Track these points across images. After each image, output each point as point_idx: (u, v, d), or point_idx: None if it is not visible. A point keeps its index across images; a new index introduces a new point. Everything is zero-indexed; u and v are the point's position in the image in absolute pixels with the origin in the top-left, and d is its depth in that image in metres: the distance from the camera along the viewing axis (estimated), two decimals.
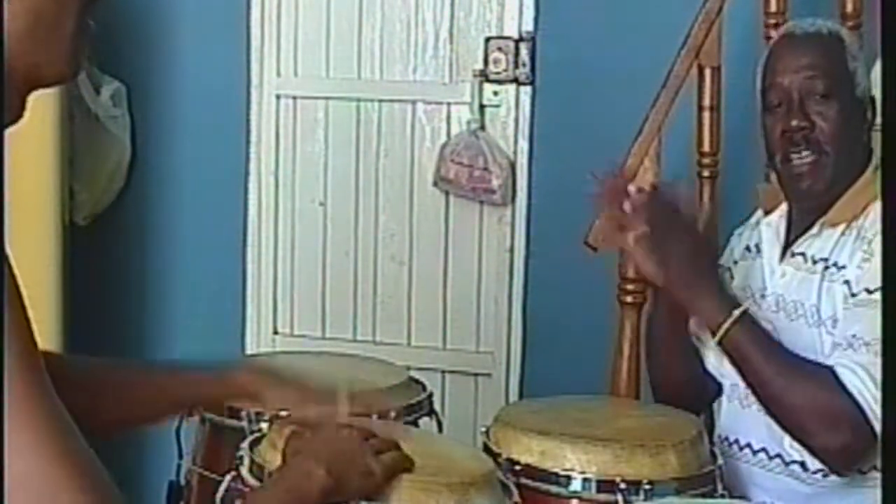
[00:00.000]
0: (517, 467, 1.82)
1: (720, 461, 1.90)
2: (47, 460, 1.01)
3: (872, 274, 1.96)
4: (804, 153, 2.06)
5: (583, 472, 1.80)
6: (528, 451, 1.85)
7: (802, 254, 2.10)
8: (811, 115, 2.05)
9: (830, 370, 1.94)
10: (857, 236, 2.03)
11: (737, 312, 1.97)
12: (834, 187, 2.07)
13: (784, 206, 2.18)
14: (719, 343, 1.99)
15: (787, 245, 2.15)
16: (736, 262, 2.26)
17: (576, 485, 1.80)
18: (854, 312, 1.96)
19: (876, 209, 2.04)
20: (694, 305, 2.03)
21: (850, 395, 1.89)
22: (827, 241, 2.07)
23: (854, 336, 1.93)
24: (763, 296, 2.15)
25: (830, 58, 2.08)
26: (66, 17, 1.14)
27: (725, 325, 1.96)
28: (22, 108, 1.16)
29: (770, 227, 2.19)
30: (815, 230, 2.09)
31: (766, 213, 2.21)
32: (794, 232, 2.14)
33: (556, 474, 1.81)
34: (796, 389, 1.94)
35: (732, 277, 2.26)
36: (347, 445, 1.53)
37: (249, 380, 1.73)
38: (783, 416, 1.97)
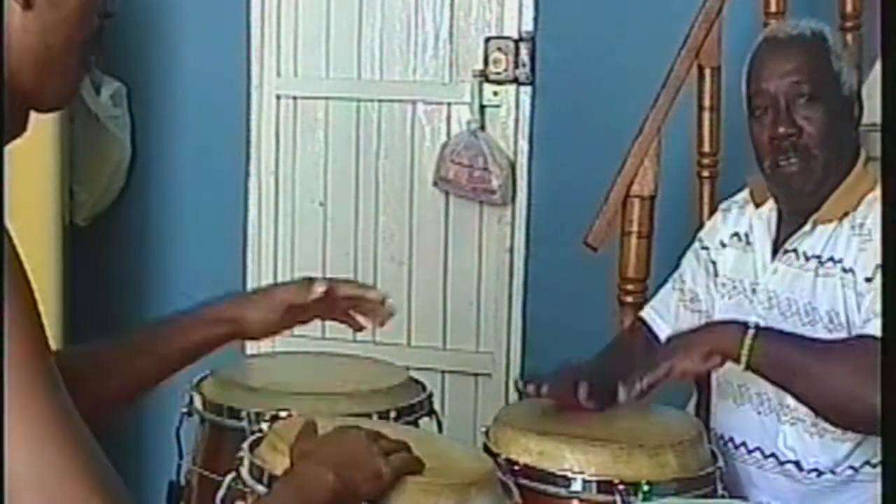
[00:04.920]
0: (516, 467, 1.82)
1: (720, 462, 1.90)
2: (58, 460, 1.02)
3: (873, 254, 1.94)
4: (792, 159, 2.06)
5: (582, 473, 1.80)
6: (527, 451, 1.85)
7: (795, 250, 2.10)
8: (798, 121, 2.05)
9: (862, 337, 1.90)
10: (850, 226, 2.03)
11: (751, 330, 1.92)
12: (824, 186, 2.07)
13: (773, 200, 2.18)
14: (747, 366, 1.92)
15: (778, 241, 2.14)
16: (724, 245, 2.24)
17: (575, 485, 1.80)
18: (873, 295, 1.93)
19: (868, 198, 2.04)
20: (715, 346, 1.96)
21: None
22: (820, 237, 2.07)
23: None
24: (754, 290, 2.14)
25: (815, 60, 2.08)
26: (72, 53, 1.21)
27: (747, 342, 1.91)
28: (24, 125, 1.21)
29: (762, 219, 2.18)
30: (807, 227, 2.08)
31: (757, 205, 2.21)
32: (785, 229, 2.14)
33: (555, 475, 1.81)
34: (841, 364, 1.87)
35: (713, 262, 2.24)
36: (355, 447, 1.51)
37: (229, 309, 1.86)
38: (837, 399, 1.89)
